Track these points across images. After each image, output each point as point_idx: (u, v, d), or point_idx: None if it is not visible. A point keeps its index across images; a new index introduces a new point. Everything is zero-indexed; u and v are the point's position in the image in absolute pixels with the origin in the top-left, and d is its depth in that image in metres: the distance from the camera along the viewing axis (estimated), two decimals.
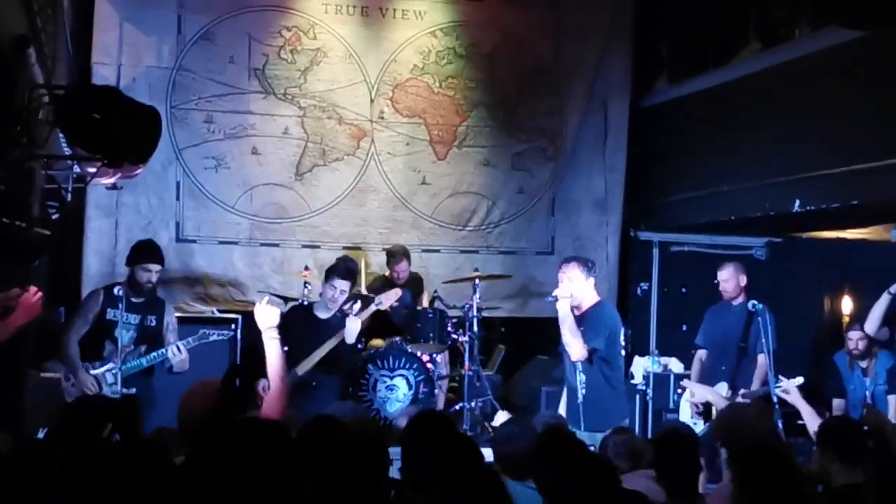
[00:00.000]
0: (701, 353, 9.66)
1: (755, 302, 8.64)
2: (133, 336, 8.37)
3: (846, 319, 11.51)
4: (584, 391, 7.87)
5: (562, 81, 12.25)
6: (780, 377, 8.47)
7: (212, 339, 8.63)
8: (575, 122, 12.27)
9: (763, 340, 8.31)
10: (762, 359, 8.92)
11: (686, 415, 9.36)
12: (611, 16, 12.28)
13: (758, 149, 10.43)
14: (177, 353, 8.28)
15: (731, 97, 10.97)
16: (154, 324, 8.52)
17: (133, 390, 8.14)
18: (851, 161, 9.14)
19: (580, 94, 12.28)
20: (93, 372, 8.21)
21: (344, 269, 9.08)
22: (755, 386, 8.95)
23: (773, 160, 10.21)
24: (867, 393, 9.34)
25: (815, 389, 10.22)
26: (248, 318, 8.29)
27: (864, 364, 9.41)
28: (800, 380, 8.21)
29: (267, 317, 6.03)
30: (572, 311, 7.91)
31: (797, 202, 9.76)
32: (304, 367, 8.78)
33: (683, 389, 9.22)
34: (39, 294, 6.32)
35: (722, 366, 9.33)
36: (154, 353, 8.34)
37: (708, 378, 9.35)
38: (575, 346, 7.81)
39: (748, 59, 10.82)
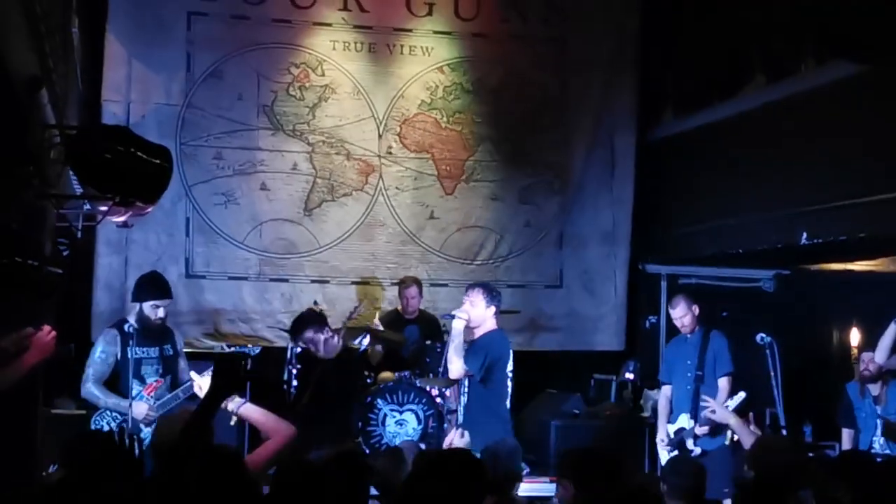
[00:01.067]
0: (666, 389, 9.52)
1: (763, 335, 8.66)
2: (158, 369, 8.19)
3: (854, 351, 11.49)
4: (462, 411, 8.39)
5: (568, 115, 12.32)
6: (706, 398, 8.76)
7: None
8: (581, 155, 12.32)
9: (772, 374, 8.34)
10: (723, 383, 8.99)
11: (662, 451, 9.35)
12: (616, 50, 12.36)
13: (764, 182, 10.45)
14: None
15: (738, 131, 11.00)
16: (171, 353, 8.33)
17: None
18: (858, 193, 9.17)
19: (586, 127, 12.35)
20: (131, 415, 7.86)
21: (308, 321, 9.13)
22: None
23: (779, 193, 10.23)
24: (878, 421, 9.31)
25: (825, 421, 10.24)
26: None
27: (875, 391, 9.38)
28: (741, 395, 8.60)
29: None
30: (472, 332, 8.28)
31: (804, 235, 9.77)
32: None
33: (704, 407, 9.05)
34: (53, 333, 6.33)
35: (685, 397, 9.25)
36: (186, 385, 7.99)
37: (674, 412, 9.30)
38: (455, 364, 8.21)
39: (754, 93, 10.87)
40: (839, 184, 9.44)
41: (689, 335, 9.34)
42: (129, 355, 8.03)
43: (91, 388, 8.04)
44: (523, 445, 10.24)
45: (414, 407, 9.94)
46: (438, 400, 10.16)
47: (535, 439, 10.84)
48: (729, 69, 11.30)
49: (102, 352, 8.16)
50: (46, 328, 6.31)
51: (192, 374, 7.77)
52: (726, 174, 11.11)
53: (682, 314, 9.33)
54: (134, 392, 7.94)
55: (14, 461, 6.58)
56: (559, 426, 10.41)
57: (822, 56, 9.80)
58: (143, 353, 8.10)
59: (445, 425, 10.27)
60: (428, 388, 10.11)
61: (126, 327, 8.11)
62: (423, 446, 8.46)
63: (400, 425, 9.81)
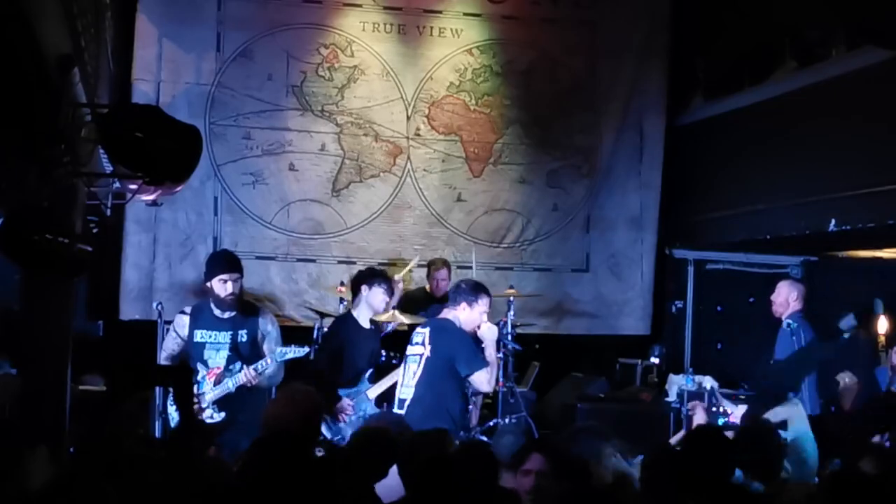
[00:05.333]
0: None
1: (790, 321, 8.64)
2: (227, 355, 7.88)
3: (882, 339, 11.46)
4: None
5: (597, 99, 12.30)
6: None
7: (288, 356, 7.90)
8: (610, 139, 12.31)
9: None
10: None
11: None
12: (646, 34, 12.33)
13: (793, 168, 10.43)
14: (252, 376, 7.72)
15: (767, 116, 10.96)
16: (246, 339, 7.93)
17: (223, 414, 7.79)
18: (887, 180, 9.13)
19: (615, 111, 12.33)
20: None
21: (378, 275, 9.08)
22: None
23: (808, 179, 10.21)
24: None
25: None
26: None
27: None
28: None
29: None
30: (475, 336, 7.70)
31: (833, 221, 9.75)
32: (375, 391, 8.97)
33: None
34: None
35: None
36: (235, 376, 7.78)
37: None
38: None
39: (784, 79, 10.83)
40: (868, 170, 9.40)
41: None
42: (196, 338, 7.94)
43: (161, 362, 8.07)
44: (548, 428, 10.37)
45: None
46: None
47: (560, 422, 10.86)
48: (759, 54, 11.25)
49: (172, 330, 8.11)
50: None
51: (245, 367, 7.78)
52: (755, 160, 11.08)
53: (774, 294, 9.17)
54: (199, 376, 7.84)
55: (44, 438, 6.63)
56: (584, 409, 10.40)
57: (852, 42, 9.75)
58: (209, 337, 7.90)
59: (471, 407, 10.28)
60: None
61: (201, 308, 8.02)
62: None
63: None
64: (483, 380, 7.43)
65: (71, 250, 5.82)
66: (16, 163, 5.93)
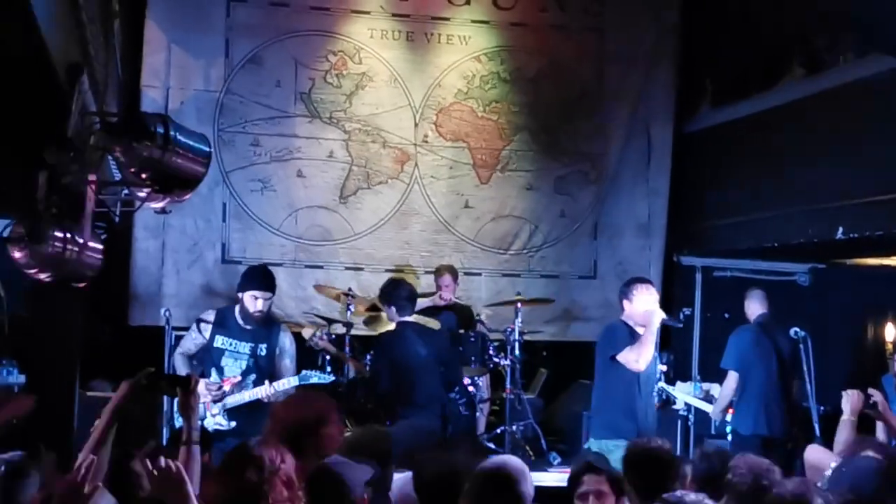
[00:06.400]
0: None
1: (797, 329, 8.62)
2: (244, 365, 7.90)
3: (889, 346, 11.44)
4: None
5: (605, 105, 12.29)
6: None
7: (312, 380, 7.91)
8: (618, 146, 12.30)
9: (805, 369, 8.31)
10: None
11: None
12: (655, 41, 12.31)
13: (801, 175, 10.41)
14: (269, 393, 7.71)
15: (775, 123, 10.95)
16: (265, 353, 7.92)
17: (233, 423, 7.78)
18: (895, 188, 9.12)
19: (623, 118, 12.31)
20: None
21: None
22: None
23: (816, 187, 10.19)
24: None
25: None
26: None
27: None
28: None
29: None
30: (636, 328, 7.85)
31: (840, 229, 9.73)
32: None
33: None
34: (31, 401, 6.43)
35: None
36: (257, 388, 7.77)
37: None
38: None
39: (792, 86, 10.82)
40: (876, 178, 9.39)
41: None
42: (216, 343, 7.94)
43: (176, 356, 8.11)
44: (555, 436, 10.36)
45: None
46: (471, 389, 10.20)
47: (567, 429, 10.87)
48: (767, 61, 11.25)
49: (192, 331, 8.12)
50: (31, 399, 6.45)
51: (267, 382, 7.79)
52: (763, 167, 11.07)
53: None
54: (211, 380, 7.83)
55: (52, 443, 6.66)
56: (591, 417, 10.39)
57: (860, 49, 9.75)
58: (229, 344, 7.90)
59: (478, 414, 10.32)
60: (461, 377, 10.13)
61: (227, 314, 8.03)
62: None
63: None
64: (629, 358, 7.63)
65: (79, 257, 5.84)
66: (25, 170, 5.96)
